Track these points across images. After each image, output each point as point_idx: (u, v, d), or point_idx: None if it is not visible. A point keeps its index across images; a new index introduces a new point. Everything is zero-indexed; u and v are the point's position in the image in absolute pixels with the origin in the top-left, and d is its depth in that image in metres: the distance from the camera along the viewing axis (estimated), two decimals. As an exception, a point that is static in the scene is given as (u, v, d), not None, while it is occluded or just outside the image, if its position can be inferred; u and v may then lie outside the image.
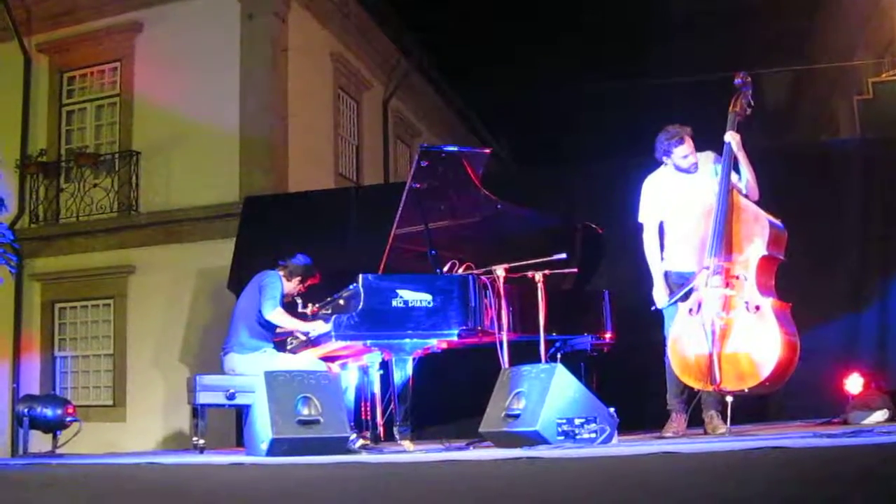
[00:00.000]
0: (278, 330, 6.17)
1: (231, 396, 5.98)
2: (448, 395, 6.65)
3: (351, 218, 8.27)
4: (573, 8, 14.93)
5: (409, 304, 5.04)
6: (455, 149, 5.57)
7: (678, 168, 5.22)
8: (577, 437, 4.37)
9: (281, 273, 6.22)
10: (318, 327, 5.62)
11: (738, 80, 5.17)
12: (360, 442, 5.39)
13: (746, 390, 4.62)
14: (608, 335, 5.87)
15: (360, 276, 5.07)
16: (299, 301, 6.10)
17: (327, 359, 5.80)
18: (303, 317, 6.01)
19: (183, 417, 9.30)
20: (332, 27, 12.24)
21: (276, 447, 4.58)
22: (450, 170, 5.49)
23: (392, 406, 5.20)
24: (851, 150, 7.36)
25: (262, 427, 4.69)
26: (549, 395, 4.42)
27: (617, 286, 6.17)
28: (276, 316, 5.96)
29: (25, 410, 7.00)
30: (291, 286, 6.23)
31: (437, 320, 5.06)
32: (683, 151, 5.14)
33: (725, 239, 4.79)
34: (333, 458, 4.32)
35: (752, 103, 5.16)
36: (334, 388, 4.95)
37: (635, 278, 5.62)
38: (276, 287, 6.08)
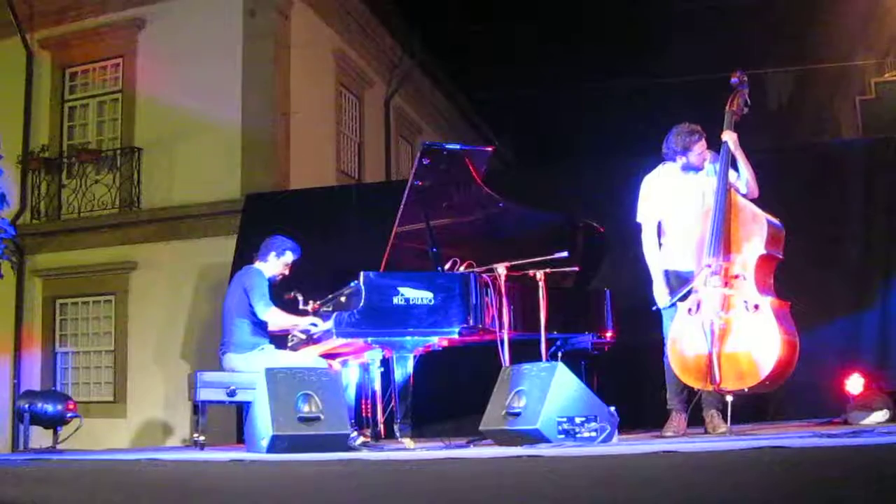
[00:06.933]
0: (272, 328, 6.15)
1: (232, 393, 5.98)
2: (449, 393, 6.65)
3: (352, 215, 8.26)
4: (574, 7, 14.92)
5: (411, 302, 5.04)
6: (457, 147, 5.57)
7: (688, 166, 5.20)
8: (578, 435, 4.37)
9: (257, 264, 6.20)
10: (317, 324, 5.63)
11: (734, 80, 5.18)
12: (361, 439, 5.38)
13: (746, 390, 4.63)
14: (609, 334, 5.87)
15: (362, 273, 5.07)
16: (300, 298, 6.08)
17: (328, 356, 5.80)
18: (304, 314, 5.99)
19: (183, 414, 9.31)
20: (335, 24, 12.25)
21: (276, 444, 4.58)
22: (452, 168, 5.49)
23: (393, 403, 5.19)
24: (853, 151, 7.35)
25: (263, 424, 4.69)
26: (550, 394, 4.42)
27: (618, 285, 6.16)
28: (272, 316, 5.93)
29: (26, 406, 6.99)
30: (271, 267, 6.19)
31: (438, 318, 5.05)
32: (702, 147, 5.15)
33: (724, 238, 4.79)
34: (334, 455, 4.33)
35: (749, 102, 5.17)
36: (335, 385, 4.94)
37: (636, 277, 5.62)
38: (261, 284, 6.04)
